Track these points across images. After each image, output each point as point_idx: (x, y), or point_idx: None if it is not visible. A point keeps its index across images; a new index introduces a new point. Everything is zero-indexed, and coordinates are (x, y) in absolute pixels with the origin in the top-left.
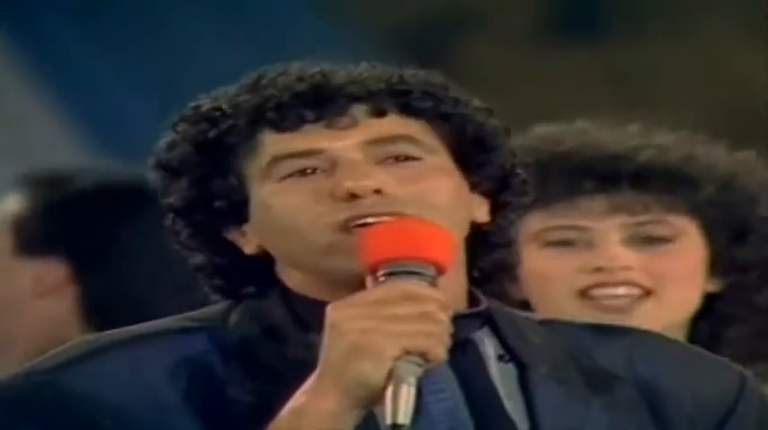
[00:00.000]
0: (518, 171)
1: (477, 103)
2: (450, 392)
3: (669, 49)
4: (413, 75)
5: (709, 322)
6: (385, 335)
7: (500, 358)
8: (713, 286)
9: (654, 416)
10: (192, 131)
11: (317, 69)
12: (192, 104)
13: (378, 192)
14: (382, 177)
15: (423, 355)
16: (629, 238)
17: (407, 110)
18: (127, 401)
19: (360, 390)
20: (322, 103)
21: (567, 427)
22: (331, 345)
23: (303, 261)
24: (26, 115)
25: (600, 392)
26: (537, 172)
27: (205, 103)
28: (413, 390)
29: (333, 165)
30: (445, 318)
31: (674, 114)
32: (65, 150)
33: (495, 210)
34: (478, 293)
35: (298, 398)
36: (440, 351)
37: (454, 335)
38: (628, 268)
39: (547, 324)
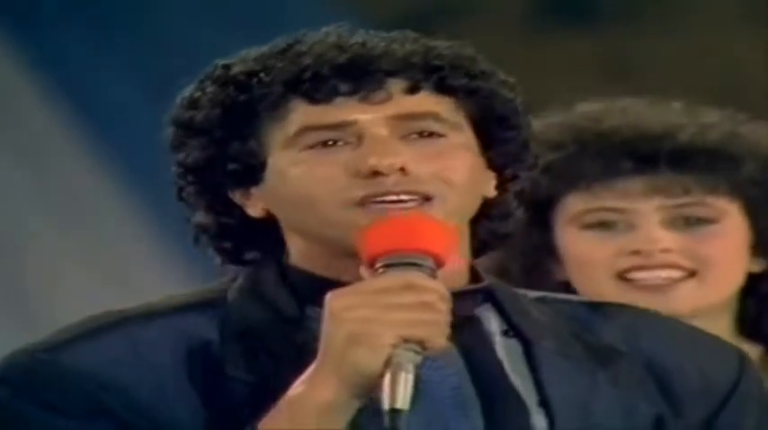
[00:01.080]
0: (530, 146)
1: (502, 75)
2: (455, 368)
3: (663, 34)
4: (446, 47)
5: (755, 300)
6: (383, 323)
7: (504, 333)
8: (757, 266)
9: (662, 390)
10: (220, 93)
11: (355, 39)
12: (221, 63)
13: (401, 170)
14: (406, 155)
15: (421, 343)
16: (670, 220)
17: (441, 86)
18: (129, 381)
19: (357, 379)
20: (358, 76)
21: (576, 399)
22: (330, 334)
23: (313, 231)
24: (18, 107)
25: (605, 366)
26: (576, 152)
27: (235, 63)
28: (411, 377)
29: (359, 139)
30: (445, 307)
31: (669, 99)
32: (54, 140)
33: (501, 182)
34: (479, 270)
35: (296, 387)
36: (439, 339)
37: (457, 312)
38: (667, 250)
39: (544, 301)
